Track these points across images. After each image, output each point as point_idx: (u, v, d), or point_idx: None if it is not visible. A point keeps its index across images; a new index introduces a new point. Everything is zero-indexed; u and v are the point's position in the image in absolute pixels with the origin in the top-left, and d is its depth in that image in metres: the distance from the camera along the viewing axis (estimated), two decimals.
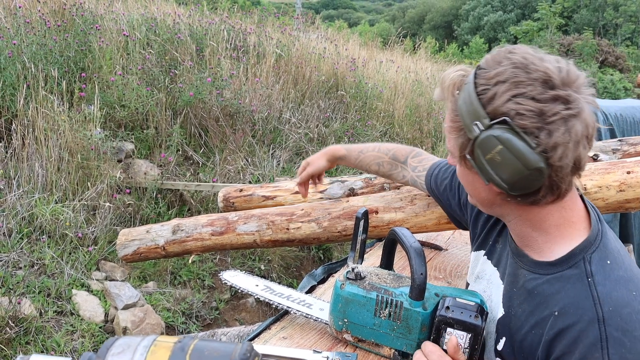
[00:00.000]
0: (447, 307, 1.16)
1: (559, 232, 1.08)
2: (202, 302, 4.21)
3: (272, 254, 4.80)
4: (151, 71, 5.63)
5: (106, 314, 3.69)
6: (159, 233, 2.26)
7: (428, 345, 1.14)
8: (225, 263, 4.65)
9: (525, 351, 1.08)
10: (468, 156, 1.05)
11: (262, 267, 4.70)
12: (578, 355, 0.97)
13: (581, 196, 1.13)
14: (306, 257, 5.09)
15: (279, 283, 1.55)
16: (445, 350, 1.13)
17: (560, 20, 23.95)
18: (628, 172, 1.71)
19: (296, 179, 1.95)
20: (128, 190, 4.72)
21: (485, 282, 1.26)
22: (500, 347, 1.14)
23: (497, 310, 1.18)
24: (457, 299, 1.17)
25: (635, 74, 18.55)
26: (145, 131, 5.20)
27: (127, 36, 5.78)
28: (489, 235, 1.30)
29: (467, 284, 1.37)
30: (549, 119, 0.94)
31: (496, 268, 1.24)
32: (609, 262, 1.04)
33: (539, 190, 1.01)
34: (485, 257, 1.29)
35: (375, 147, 1.85)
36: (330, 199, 2.26)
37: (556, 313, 1.02)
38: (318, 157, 1.88)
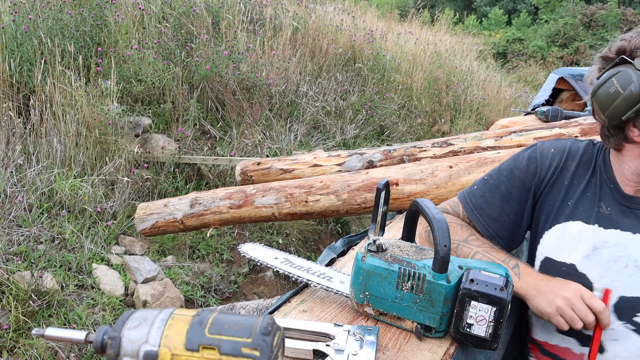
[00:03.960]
0: (472, 280, 1.13)
1: None
2: (220, 275, 4.23)
3: (290, 227, 4.80)
4: (167, 45, 5.59)
5: (126, 288, 3.72)
6: (177, 207, 2.25)
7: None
8: (243, 237, 4.66)
9: None
10: None
11: (280, 241, 4.70)
12: None
13: None
14: (324, 231, 5.08)
15: (298, 256, 1.53)
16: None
17: None
18: None
19: None
20: (146, 165, 4.73)
21: (616, 248, 1.24)
22: None
23: None
24: (482, 272, 1.14)
25: None
26: (162, 106, 5.18)
27: (142, 10, 5.73)
28: (580, 203, 1.30)
29: (568, 264, 1.32)
30: None
31: (619, 230, 1.24)
32: None
33: None
34: (597, 224, 1.28)
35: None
36: (348, 171, 2.22)
37: None
38: None
